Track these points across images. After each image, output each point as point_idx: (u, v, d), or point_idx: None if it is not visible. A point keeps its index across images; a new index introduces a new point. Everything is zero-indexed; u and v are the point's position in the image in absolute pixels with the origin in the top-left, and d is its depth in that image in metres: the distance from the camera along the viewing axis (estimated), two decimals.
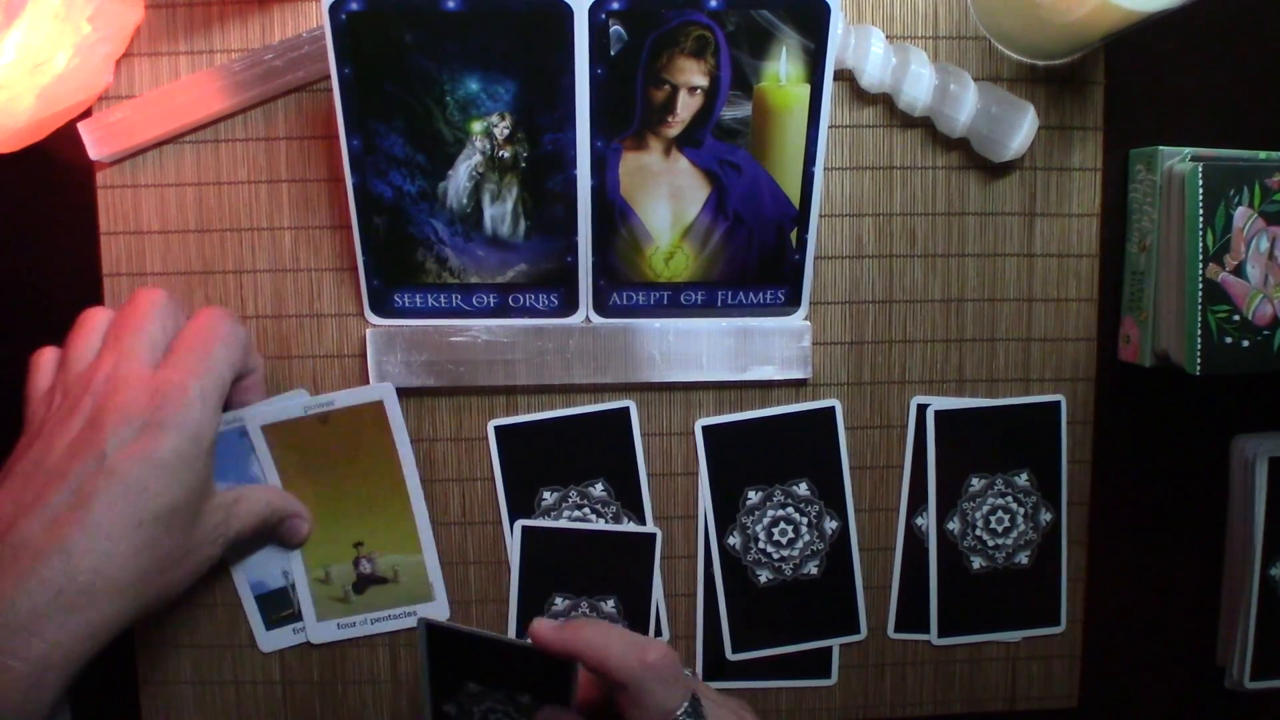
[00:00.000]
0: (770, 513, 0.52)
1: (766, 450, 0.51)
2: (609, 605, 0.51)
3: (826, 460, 0.52)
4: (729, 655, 0.52)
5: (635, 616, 0.51)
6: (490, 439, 0.50)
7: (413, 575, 0.50)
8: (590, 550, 0.51)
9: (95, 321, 0.43)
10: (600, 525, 0.51)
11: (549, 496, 0.51)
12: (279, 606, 0.50)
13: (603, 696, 0.44)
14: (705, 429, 0.51)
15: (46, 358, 0.43)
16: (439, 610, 0.50)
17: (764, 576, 0.52)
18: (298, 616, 0.50)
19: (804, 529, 0.52)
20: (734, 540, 0.52)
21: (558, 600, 0.51)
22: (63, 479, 0.38)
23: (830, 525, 0.52)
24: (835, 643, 0.53)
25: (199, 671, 0.51)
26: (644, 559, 0.51)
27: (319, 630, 0.50)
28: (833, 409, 0.51)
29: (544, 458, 0.51)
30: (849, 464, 0.52)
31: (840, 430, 0.51)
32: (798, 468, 0.52)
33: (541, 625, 0.42)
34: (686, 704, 0.40)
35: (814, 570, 0.52)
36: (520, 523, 0.50)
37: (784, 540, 0.52)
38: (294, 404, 0.47)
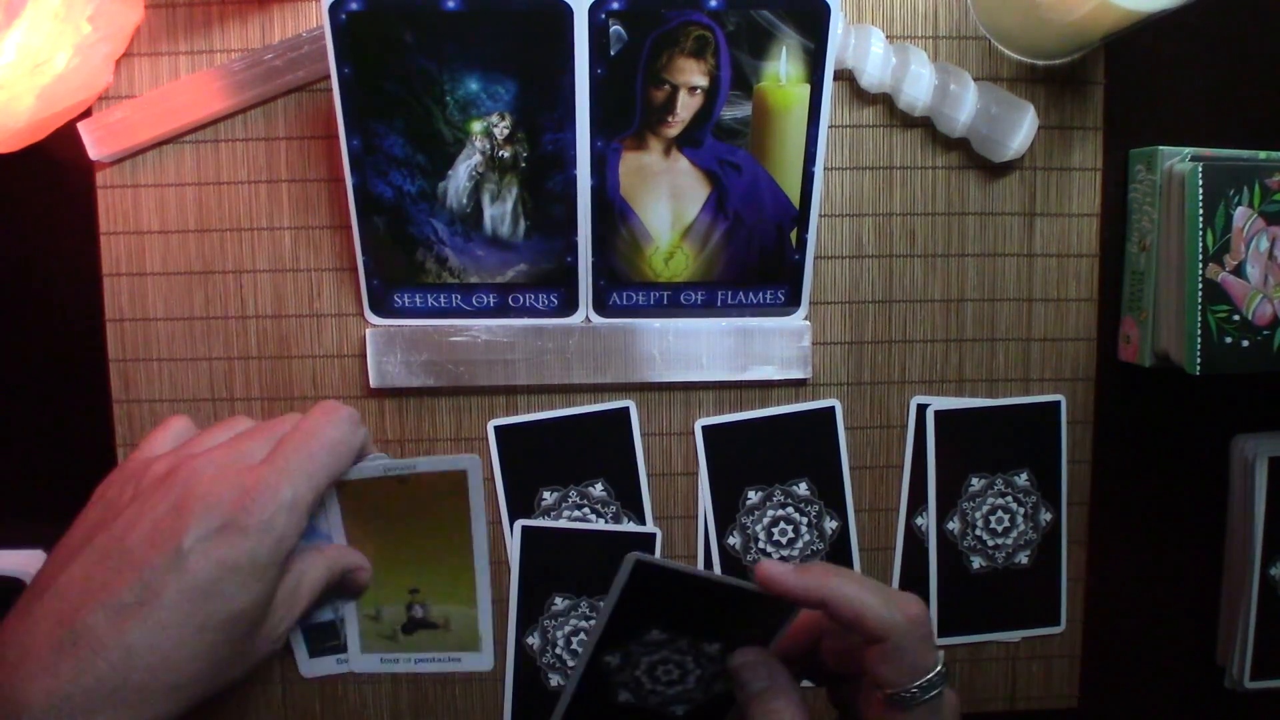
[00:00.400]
0: (770, 513, 0.52)
1: (766, 450, 0.51)
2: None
3: (826, 460, 0.52)
4: None
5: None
6: (490, 439, 0.50)
7: (464, 625, 0.50)
8: (590, 550, 0.51)
9: (234, 422, 0.44)
10: (600, 525, 0.51)
11: (549, 496, 0.51)
12: (325, 638, 0.49)
13: (805, 646, 0.41)
14: (705, 429, 0.51)
15: (180, 424, 0.44)
16: (483, 661, 0.50)
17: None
18: (343, 648, 0.50)
19: (804, 529, 0.52)
20: (734, 540, 0.52)
21: (558, 600, 0.51)
22: (136, 571, 0.37)
23: (830, 525, 0.52)
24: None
25: None
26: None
27: (362, 661, 0.50)
28: (832, 409, 0.51)
29: (544, 458, 0.51)
30: (849, 464, 0.52)
31: (840, 430, 0.51)
32: (798, 468, 0.52)
33: (774, 568, 0.38)
34: (942, 666, 0.37)
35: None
36: (520, 523, 0.50)
37: (784, 540, 0.52)
38: (374, 465, 0.47)
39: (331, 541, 0.47)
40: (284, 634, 0.43)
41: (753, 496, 0.52)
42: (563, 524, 0.51)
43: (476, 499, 0.48)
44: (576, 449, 0.51)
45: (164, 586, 0.37)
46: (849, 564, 0.52)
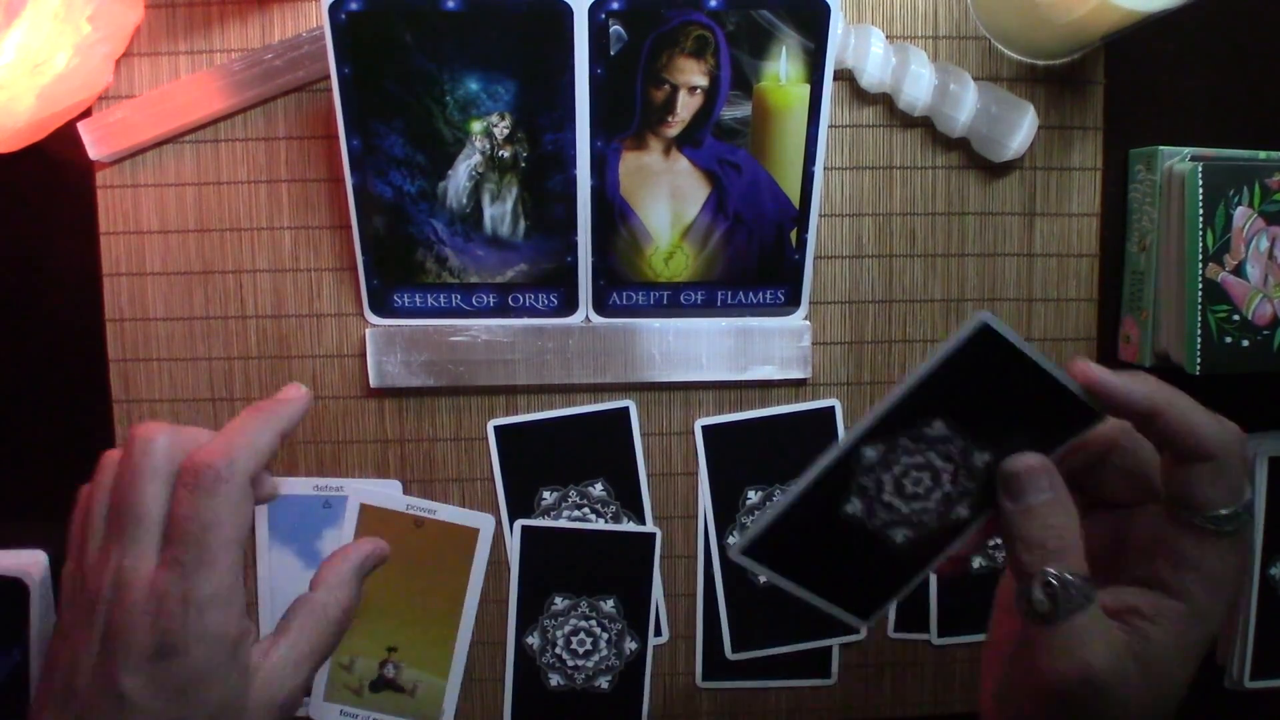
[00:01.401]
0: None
1: (766, 450, 0.51)
2: (609, 605, 0.51)
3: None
4: (729, 655, 0.52)
5: (635, 616, 0.51)
6: (490, 439, 0.50)
7: (429, 695, 0.50)
8: (590, 550, 0.51)
9: (104, 476, 0.39)
10: (600, 525, 0.51)
11: (549, 496, 0.51)
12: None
13: (1084, 463, 0.38)
14: (705, 429, 0.51)
15: (81, 502, 0.40)
16: None
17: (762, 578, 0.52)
18: (309, 691, 0.49)
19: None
20: (733, 540, 0.52)
21: (558, 600, 0.51)
22: (90, 717, 0.36)
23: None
24: (835, 642, 0.53)
25: None
26: (644, 558, 0.51)
27: (322, 709, 0.50)
28: (832, 409, 0.51)
29: (544, 458, 0.51)
30: None
31: (840, 430, 0.51)
32: (798, 468, 0.51)
33: (1099, 371, 0.35)
34: (1250, 492, 0.35)
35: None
36: (520, 522, 0.50)
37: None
38: (395, 495, 0.48)
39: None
40: (291, 701, 0.39)
41: (753, 496, 0.52)
42: (563, 524, 0.51)
43: (480, 563, 0.49)
44: (576, 449, 0.51)
45: None
46: None
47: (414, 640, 0.49)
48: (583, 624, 0.51)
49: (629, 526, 0.51)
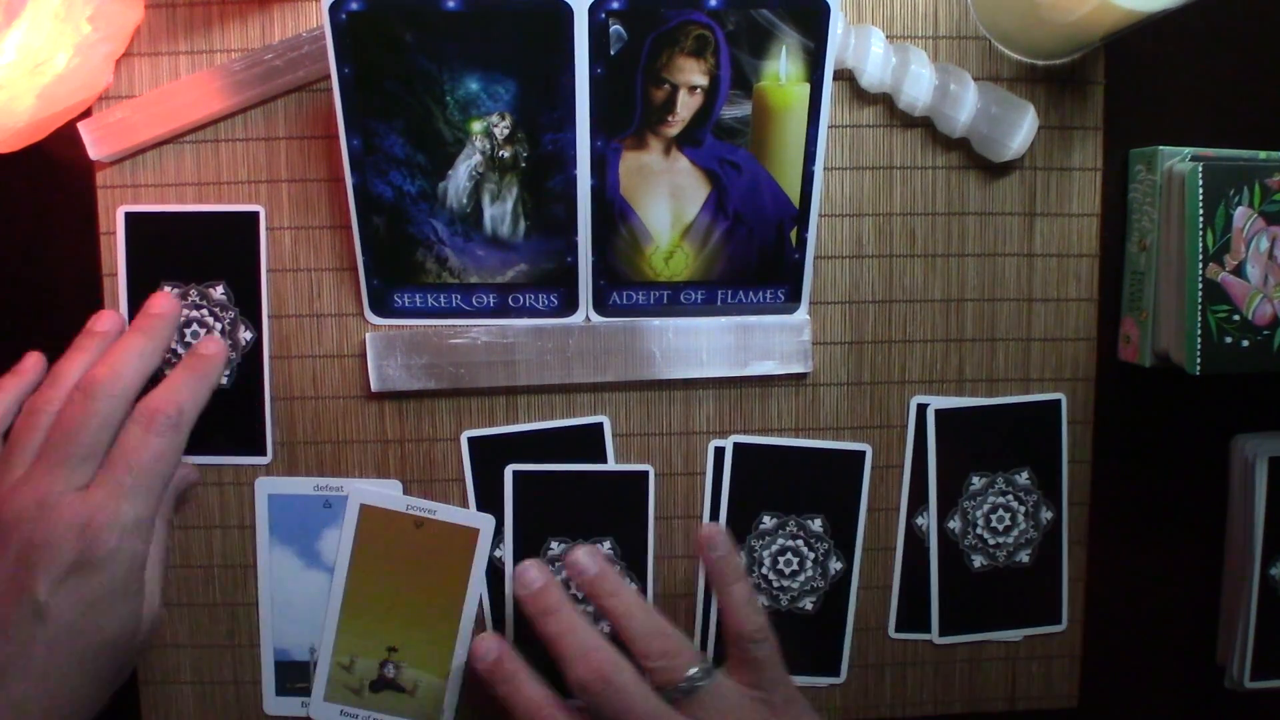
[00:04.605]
0: (780, 541, 0.52)
1: (783, 479, 0.51)
2: (605, 547, 0.51)
3: (845, 501, 0.52)
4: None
5: (632, 558, 0.51)
6: (464, 447, 0.50)
7: (429, 695, 0.50)
8: (584, 492, 0.51)
9: (39, 420, 0.41)
10: (593, 467, 0.51)
11: (555, 547, 0.51)
12: (295, 678, 0.49)
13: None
14: (718, 450, 0.51)
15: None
16: None
17: (760, 601, 0.52)
18: (308, 691, 0.49)
19: (809, 564, 0.52)
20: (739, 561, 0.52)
21: (553, 544, 0.51)
22: (3, 629, 0.37)
23: (835, 566, 0.52)
24: (820, 680, 0.53)
25: (199, 671, 0.51)
26: (638, 499, 0.51)
27: (322, 708, 0.49)
28: (863, 454, 0.51)
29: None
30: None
31: (866, 475, 0.51)
32: (816, 503, 0.52)
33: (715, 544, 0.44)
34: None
35: (809, 606, 0.52)
36: (510, 467, 0.50)
37: (787, 571, 0.52)
38: (395, 496, 0.48)
39: (335, 563, 0.48)
40: (159, 616, 0.43)
41: (767, 521, 0.51)
42: (554, 466, 0.50)
43: (480, 562, 0.48)
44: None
45: (32, 640, 0.37)
46: (845, 603, 0.52)
47: (414, 640, 0.49)
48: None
49: (623, 465, 0.50)
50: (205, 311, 0.48)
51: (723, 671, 0.43)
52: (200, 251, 0.48)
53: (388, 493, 0.48)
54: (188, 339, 0.48)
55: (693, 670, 0.41)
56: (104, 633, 0.39)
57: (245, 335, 0.48)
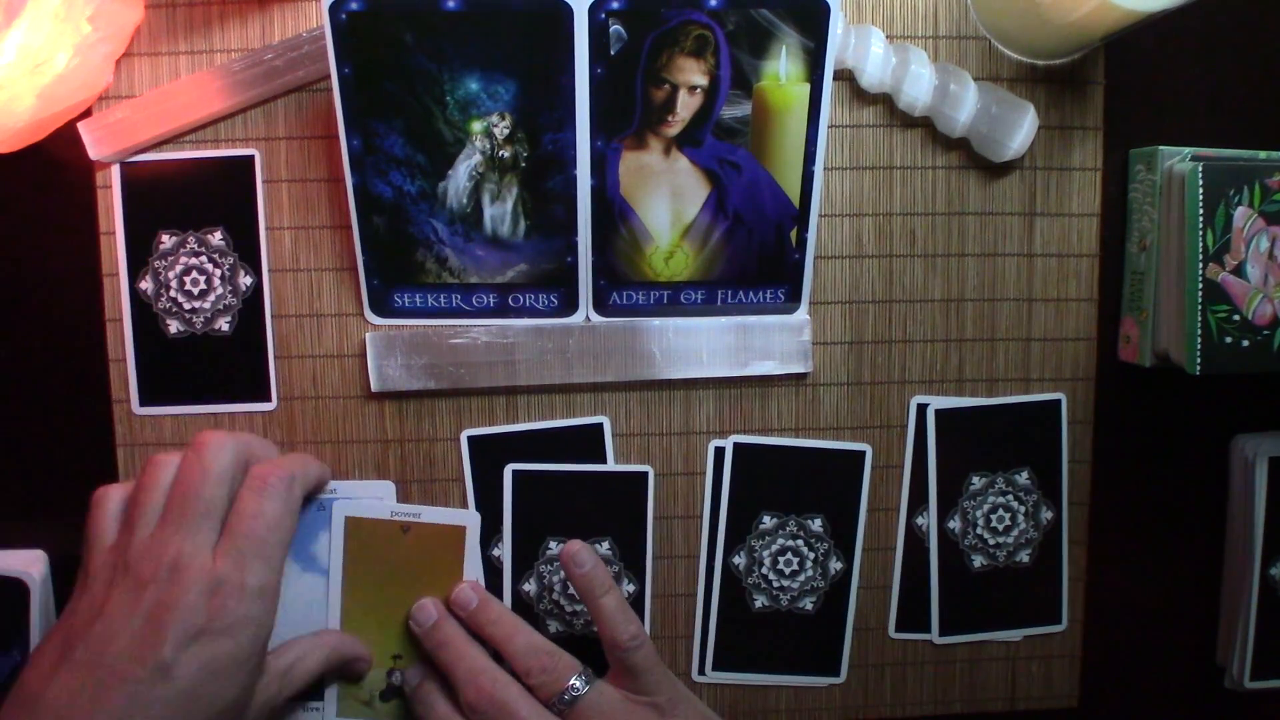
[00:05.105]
0: (780, 541, 0.52)
1: (784, 479, 0.51)
2: (603, 548, 0.51)
3: (846, 500, 0.52)
4: (705, 671, 0.52)
5: (630, 559, 0.51)
6: (464, 446, 0.50)
7: None
8: (583, 492, 0.51)
9: (160, 476, 0.42)
10: (591, 467, 0.51)
11: (554, 546, 0.51)
12: (307, 696, 0.48)
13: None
14: (718, 450, 0.51)
15: (113, 500, 0.43)
16: None
17: (760, 602, 0.52)
18: (323, 710, 0.49)
19: (809, 564, 0.52)
20: (739, 560, 0.52)
21: (551, 544, 0.51)
22: (122, 685, 0.38)
23: (835, 566, 0.52)
24: (820, 680, 0.53)
25: None
26: (637, 499, 0.51)
27: None
28: (863, 454, 0.51)
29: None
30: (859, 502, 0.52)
31: (866, 475, 0.51)
32: (816, 503, 0.52)
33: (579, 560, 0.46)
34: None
35: (809, 606, 0.52)
36: (510, 467, 0.50)
37: (787, 571, 0.52)
38: (382, 503, 0.48)
39: (328, 576, 0.48)
40: (273, 706, 0.43)
41: (766, 521, 0.51)
42: (553, 466, 0.50)
43: (473, 556, 0.48)
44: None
45: (152, 699, 0.38)
46: (850, 566, 0.52)
47: (417, 644, 0.49)
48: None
49: (622, 466, 0.51)
50: (204, 258, 0.48)
51: (604, 681, 0.45)
52: (197, 198, 0.48)
53: (372, 501, 0.47)
54: (187, 286, 0.48)
55: (573, 680, 0.44)
56: (222, 700, 0.39)
57: (245, 280, 0.49)
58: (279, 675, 0.43)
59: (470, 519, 0.48)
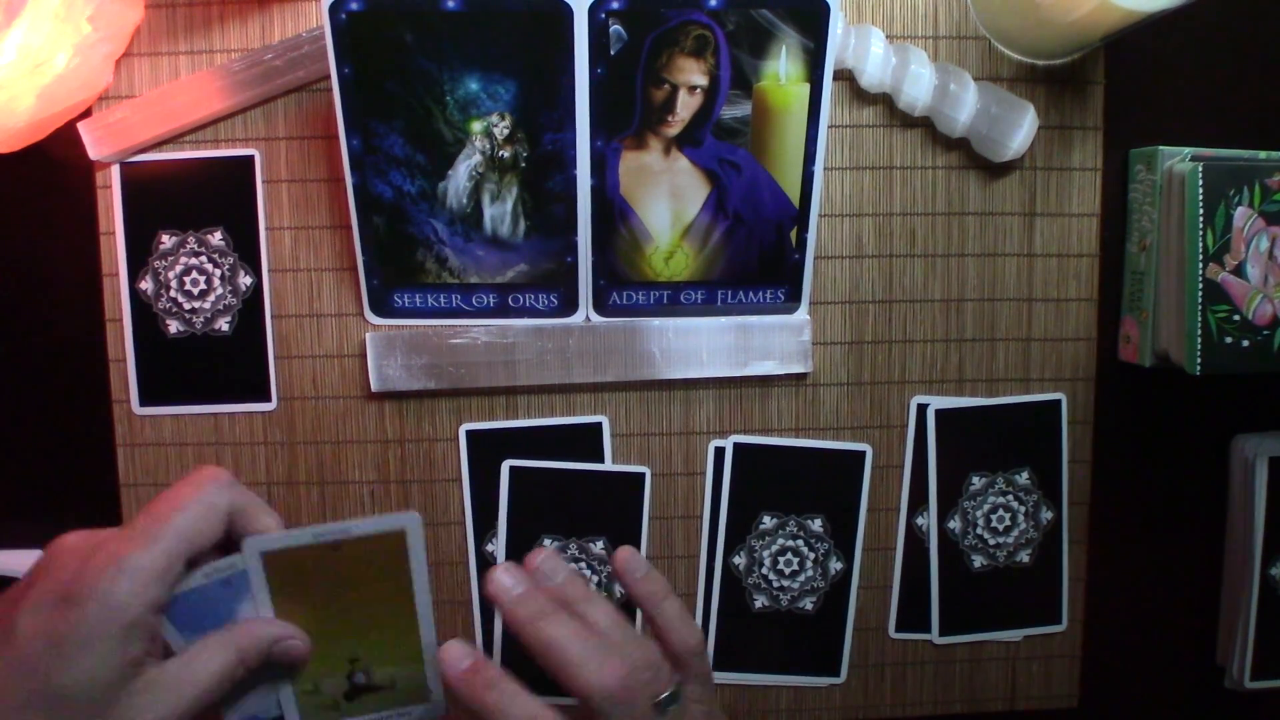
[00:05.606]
0: (780, 541, 0.52)
1: (783, 479, 0.51)
2: (598, 547, 0.51)
3: (846, 501, 0.52)
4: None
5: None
6: (460, 442, 0.50)
7: (410, 683, 0.45)
8: (579, 491, 0.51)
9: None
10: (588, 466, 0.51)
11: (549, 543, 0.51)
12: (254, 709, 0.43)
13: None
14: (718, 450, 0.51)
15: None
16: (434, 710, 0.46)
17: (760, 602, 0.52)
18: None
19: (809, 564, 0.52)
20: (739, 560, 0.52)
21: (546, 541, 0.51)
22: None
23: (835, 566, 0.52)
24: (820, 680, 0.53)
25: None
26: (633, 499, 0.51)
27: None
28: (863, 454, 0.51)
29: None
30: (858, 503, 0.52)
31: (866, 475, 0.51)
32: (816, 503, 0.52)
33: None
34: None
35: (809, 606, 0.52)
36: (507, 463, 0.50)
37: (787, 571, 0.52)
38: (302, 533, 0.42)
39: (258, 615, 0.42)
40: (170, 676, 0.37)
41: (767, 522, 0.52)
42: (550, 464, 0.50)
43: (417, 557, 0.43)
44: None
45: None
46: (850, 566, 0.52)
47: (374, 644, 0.44)
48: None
49: (619, 466, 0.51)
50: (204, 258, 0.48)
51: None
52: (197, 198, 0.48)
53: (290, 533, 0.42)
54: (187, 286, 0.48)
55: (675, 682, 0.41)
56: (61, 679, 0.35)
57: (245, 280, 0.49)
58: (163, 682, 0.37)
59: (409, 521, 0.43)
